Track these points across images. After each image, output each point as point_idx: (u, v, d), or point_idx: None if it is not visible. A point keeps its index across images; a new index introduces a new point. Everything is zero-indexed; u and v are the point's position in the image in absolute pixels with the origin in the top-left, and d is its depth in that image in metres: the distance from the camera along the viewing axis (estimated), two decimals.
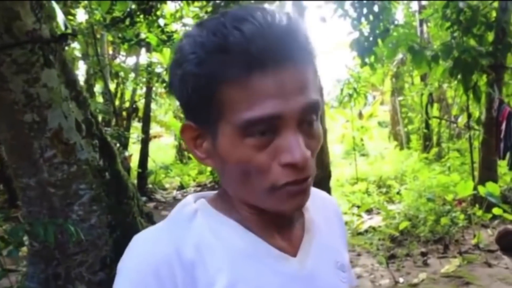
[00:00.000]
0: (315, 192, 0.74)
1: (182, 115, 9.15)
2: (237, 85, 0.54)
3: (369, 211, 6.21)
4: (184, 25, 7.88)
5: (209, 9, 5.84)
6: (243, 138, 0.55)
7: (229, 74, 0.53)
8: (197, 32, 0.56)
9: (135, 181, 7.63)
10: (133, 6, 5.78)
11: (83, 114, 2.50)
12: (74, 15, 6.84)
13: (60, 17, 2.66)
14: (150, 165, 9.02)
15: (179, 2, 7.16)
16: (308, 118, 0.57)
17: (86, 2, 6.38)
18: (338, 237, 0.74)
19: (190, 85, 0.56)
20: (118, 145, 6.10)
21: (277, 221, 0.64)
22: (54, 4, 2.37)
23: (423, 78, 9.14)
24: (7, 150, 2.58)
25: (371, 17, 5.91)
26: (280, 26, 0.55)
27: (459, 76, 5.36)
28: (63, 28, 2.69)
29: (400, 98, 10.63)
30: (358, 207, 6.26)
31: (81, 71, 8.91)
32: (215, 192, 0.67)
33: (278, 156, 0.56)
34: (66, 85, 2.42)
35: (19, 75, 2.23)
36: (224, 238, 0.60)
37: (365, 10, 5.98)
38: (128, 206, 2.68)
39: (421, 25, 8.81)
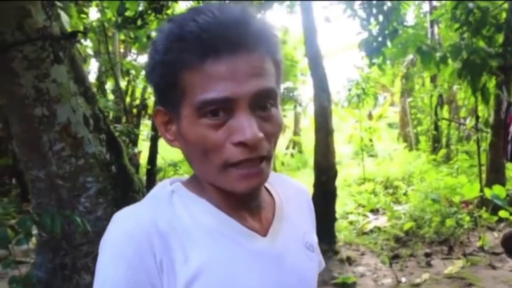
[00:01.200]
0: (287, 180, 0.81)
1: None
2: (194, 70, 0.59)
3: (375, 212, 6.22)
4: None
5: None
6: (199, 118, 0.61)
7: (186, 60, 0.59)
8: (166, 26, 0.62)
9: (144, 178, 7.72)
10: (144, 5, 5.85)
11: (91, 109, 2.57)
12: (86, 13, 6.96)
13: (64, 17, 2.73)
14: (159, 162, 9.10)
15: (190, 1, 7.23)
16: (262, 103, 0.62)
17: (97, 1, 6.48)
18: (307, 221, 0.79)
19: (158, 73, 0.63)
20: (128, 141, 6.19)
21: (245, 203, 0.68)
22: (59, 4, 2.44)
23: (433, 79, 9.09)
24: (18, 143, 2.66)
25: (380, 18, 5.91)
26: (233, 17, 0.60)
27: (467, 78, 5.34)
28: (65, 27, 2.76)
29: (410, 99, 10.58)
30: (364, 207, 6.27)
31: (93, 68, 9.05)
32: (190, 176, 0.71)
33: (231, 136, 0.60)
34: (75, 80, 2.49)
35: (30, 70, 2.31)
36: (197, 217, 0.65)
37: (374, 10, 5.98)
38: (134, 199, 2.75)
39: (432, 26, 8.76)
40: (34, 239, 2.73)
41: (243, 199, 0.67)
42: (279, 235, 0.70)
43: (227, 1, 5.23)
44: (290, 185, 0.80)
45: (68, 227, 2.52)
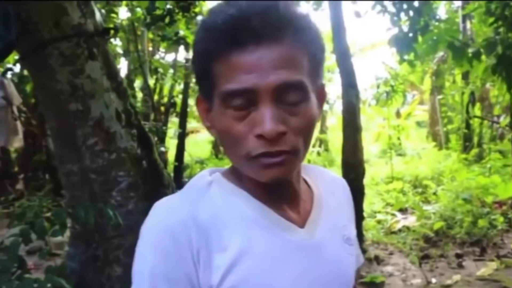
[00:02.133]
0: (325, 172, 0.81)
1: None
2: (221, 60, 0.60)
3: (403, 211, 6.10)
4: None
5: None
6: (225, 109, 0.61)
7: (215, 51, 0.60)
8: (205, 18, 0.65)
9: (172, 174, 7.85)
10: (172, 4, 5.92)
11: (122, 105, 2.62)
12: (116, 13, 7.10)
13: (97, 15, 2.80)
14: (186, 159, 9.23)
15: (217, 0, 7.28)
16: (288, 97, 0.60)
17: (128, 1, 6.61)
18: (346, 214, 0.78)
19: (196, 62, 0.65)
20: (155, 139, 6.30)
21: (283, 192, 0.68)
22: (92, 3, 2.50)
23: (464, 76, 8.83)
24: (53, 137, 2.75)
25: (411, 13, 5.78)
26: (259, 8, 0.59)
27: (502, 74, 5.16)
28: (100, 24, 2.82)
29: (440, 97, 10.32)
30: (392, 206, 6.17)
31: (122, 67, 9.23)
32: (229, 166, 0.72)
33: (252, 128, 0.60)
34: (108, 76, 2.54)
35: (65, 67, 2.37)
36: (236, 207, 0.66)
37: (405, 6, 5.86)
38: (163, 194, 2.79)
39: (464, 21, 8.51)
40: (67, 231, 2.81)
41: (275, 189, 0.67)
42: (317, 226, 0.69)
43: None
44: (327, 177, 0.79)
45: (100, 219, 2.59)
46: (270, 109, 0.59)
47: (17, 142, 2.91)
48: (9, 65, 3.37)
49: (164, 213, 0.65)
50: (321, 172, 0.79)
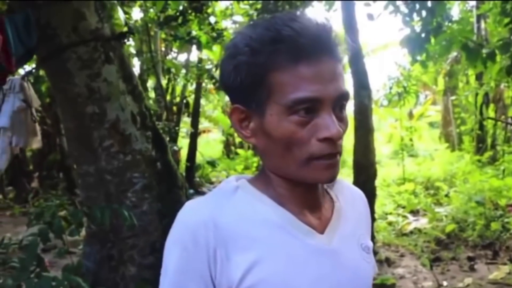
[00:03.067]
0: (344, 184, 0.85)
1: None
2: (286, 71, 0.65)
3: (415, 213, 6.08)
4: (234, 22, 8.04)
5: (259, 6, 5.94)
6: (288, 116, 0.66)
7: (280, 61, 0.65)
8: (249, 30, 0.68)
9: (184, 174, 7.91)
10: (185, 5, 5.97)
11: (138, 107, 2.67)
12: (129, 14, 7.18)
13: (121, 15, 2.85)
14: (198, 159, 9.29)
15: (230, 0, 7.31)
16: (340, 104, 0.68)
17: (141, 1, 6.68)
18: (363, 224, 0.82)
19: (244, 73, 0.67)
20: (168, 139, 6.36)
21: (308, 199, 0.73)
22: (116, 3, 2.55)
23: (478, 77, 8.74)
24: (69, 139, 2.81)
25: (423, 13, 5.74)
26: (320, 25, 0.66)
27: None
28: (124, 24, 2.87)
29: (453, 97, 10.22)
30: (404, 207, 6.14)
31: (135, 67, 9.32)
32: (256, 174, 0.77)
33: (316, 132, 0.66)
34: (124, 79, 2.59)
35: (83, 70, 2.43)
36: (259, 211, 0.70)
37: (417, 6, 5.83)
38: (177, 195, 2.83)
39: (478, 21, 8.42)
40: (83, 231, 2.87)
41: (307, 193, 0.72)
42: (336, 233, 0.73)
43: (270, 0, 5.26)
44: (347, 188, 0.84)
45: (115, 220, 2.64)
46: (332, 116, 0.67)
47: (36, 143, 2.98)
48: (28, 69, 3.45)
49: (188, 213, 0.71)
50: (341, 183, 0.84)
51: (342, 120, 0.69)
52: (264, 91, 0.67)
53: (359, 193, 0.86)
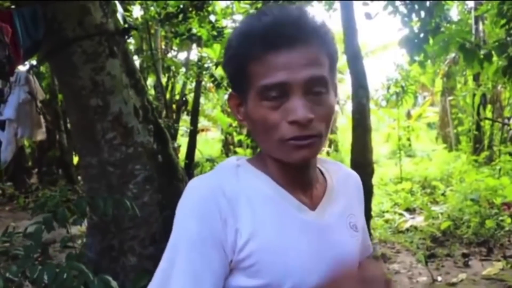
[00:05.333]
0: (340, 166, 0.92)
1: (229, 110, 9.39)
2: (258, 61, 0.72)
3: (411, 211, 6.15)
4: (234, 21, 8.09)
5: (259, 5, 5.99)
6: (261, 101, 0.73)
7: (253, 53, 0.72)
8: (241, 24, 0.76)
9: None
10: (183, 4, 6.02)
11: (140, 101, 2.72)
12: (130, 11, 7.22)
13: (119, 12, 2.90)
14: (197, 157, 9.34)
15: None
16: (314, 89, 0.73)
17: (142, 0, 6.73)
18: (354, 205, 0.88)
19: (232, 64, 0.76)
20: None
21: (299, 178, 0.80)
22: (114, 2, 2.61)
23: (476, 78, 8.82)
24: (74, 131, 2.86)
25: (422, 14, 5.80)
26: (290, 16, 0.72)
27: None
28: (122, 22, 2.93)
29: (451, 98, 10.30)
30: (401, 206, 6.21)
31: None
32: (255, 155, 0.84)
33: (286, 116, 0.72)
34: (127, 73, 2.65)
35: (87, 64, 2.49)
36: (257, 187, 0.77)
37: (416, 6, 5.88)
38: (177, 187, 2.89)
39: (476, 22, 8.49)
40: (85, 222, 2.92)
41: (298, 173, 0.78)
42: (326, 211, 0.80)
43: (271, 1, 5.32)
44: (343, 171, 0.91)
45: (116, 211, 2.70)
46: (301, 100, 0.71)
47: (40, 135, 3.04)
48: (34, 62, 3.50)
49: (198, 187, 0.76)
50: (338, 166, 0.91)
51: (320, 103, 0.73)
52: (245, 80, 0.74)
53: (354, 176, 0.92)
